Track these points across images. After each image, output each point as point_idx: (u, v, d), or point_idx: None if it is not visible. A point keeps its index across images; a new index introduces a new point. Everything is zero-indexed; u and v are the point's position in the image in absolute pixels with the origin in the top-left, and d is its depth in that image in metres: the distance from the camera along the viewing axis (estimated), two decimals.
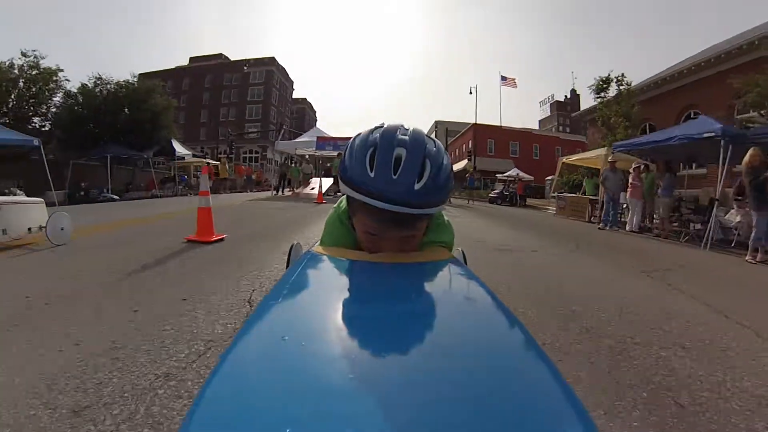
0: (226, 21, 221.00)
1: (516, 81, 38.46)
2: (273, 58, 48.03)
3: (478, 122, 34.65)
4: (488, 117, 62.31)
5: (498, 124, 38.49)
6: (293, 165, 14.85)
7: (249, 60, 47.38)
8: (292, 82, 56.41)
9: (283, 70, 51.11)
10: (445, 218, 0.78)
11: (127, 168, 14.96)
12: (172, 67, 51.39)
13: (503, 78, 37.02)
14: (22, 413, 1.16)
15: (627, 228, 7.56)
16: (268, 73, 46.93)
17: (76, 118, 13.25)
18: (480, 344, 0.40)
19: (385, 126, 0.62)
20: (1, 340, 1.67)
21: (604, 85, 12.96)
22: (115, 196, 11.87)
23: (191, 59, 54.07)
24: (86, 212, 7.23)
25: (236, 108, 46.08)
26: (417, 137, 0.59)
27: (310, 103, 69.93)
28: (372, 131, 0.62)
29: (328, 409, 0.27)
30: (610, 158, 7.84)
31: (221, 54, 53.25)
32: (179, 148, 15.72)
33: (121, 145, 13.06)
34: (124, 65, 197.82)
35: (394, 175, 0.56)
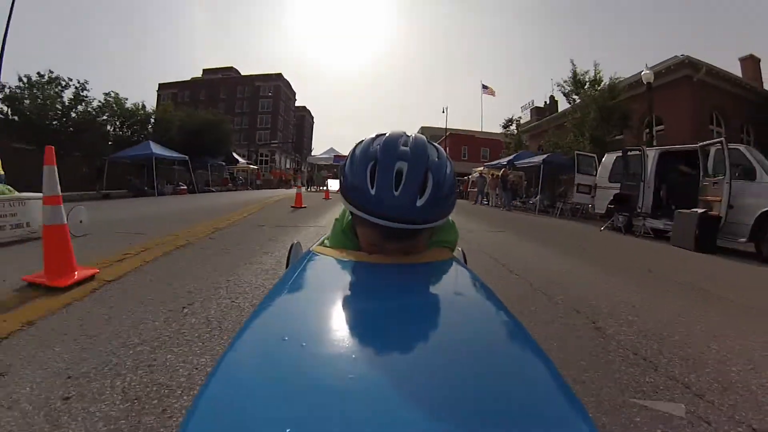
0: (223, 31, 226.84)
1: (494, 90, 45.52)
2: (280, 74, 55.71)
3: (456, 131, 41.88)
4: (474, 119, 70.05)
5: (479, 128, 43.76)
6: (317, 172, 23.06)
7: (259, 75, 54.96)
8: (295, 93, 64.14)
9: (287, 84, 58.78)
10: (450, 219, 0.77)
11: (205, 171, 22.83)
12: (188, 78, 58.76)
13: (484, 87, 41.62)
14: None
15: (490, 205, 15.68)
16: (276, 88, 54.56)
17: (180, 141, 20.98)
18: (480, 345, 0.41)
19: (386, 136, 0.61)
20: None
21: (510, 123, 21.25)
22: (213, 189, 19.72)
23: (204, 71, 61.42)
24: (228, 197, 15.04)
25: (248, 117, 53.59)
26: (418, 148, 0.59)
27: (309, 110, 77.64)
28: (373, 141, 0.62)
29: (328, 410, 0.28)
30: (480, 170, 16.07)
31: (232, 67, 60.70)
32: (238, 157, 23.71)
33: (206, 156, 20.89)
34: (134, 76, 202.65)
35: (396, 191, 0.55)
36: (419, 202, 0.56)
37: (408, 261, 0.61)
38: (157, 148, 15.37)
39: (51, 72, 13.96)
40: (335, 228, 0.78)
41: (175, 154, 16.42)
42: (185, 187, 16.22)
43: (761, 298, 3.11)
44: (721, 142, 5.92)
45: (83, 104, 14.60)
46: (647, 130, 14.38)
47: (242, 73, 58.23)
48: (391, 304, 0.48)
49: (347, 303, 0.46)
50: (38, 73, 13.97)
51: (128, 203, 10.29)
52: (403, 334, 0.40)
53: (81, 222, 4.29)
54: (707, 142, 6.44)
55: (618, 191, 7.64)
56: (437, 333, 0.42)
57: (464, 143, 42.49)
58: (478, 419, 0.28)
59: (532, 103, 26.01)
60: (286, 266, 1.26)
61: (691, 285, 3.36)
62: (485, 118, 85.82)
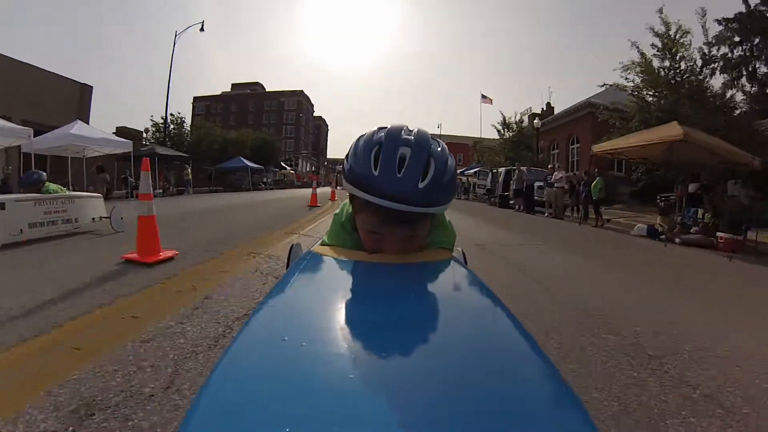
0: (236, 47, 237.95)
1: (492, 99, 50.28)
2: (302, 91, 65.47)
3: (452, 140, 49.58)
4: (473, 123, 79.92)
5: (479, 130, 50.34)
6: (338, 174, 32.62)
7: (284, 92, 64.75)
8: (313, 105, 73.89)
9: (308, 98, 68.45)
10: (447, 219, 0.80)
11: (264, 175, 32.61)
12: (218, 93, 68.80)
13: (483, 96, 43.73)
14: None
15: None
16: (298, 102, 64.25)
17: (251, 155, 30.56)
18: (480, 345, 0.41)
19: (389, 127, 0.64)
20: None
21: (476, 146, 30.58)
22: (272, 186, 29.33)
23: (233, 86, 71.44)
24: (300, 192, 24.53)
25: (275, 128, 63.06)
26: (421, 137, 0.61)
27: (324, 120, 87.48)
28: (377, 131, 0.64)
29: (328, 410, 0.28)
30: None
31: (258, 82, 70.59)
32: (284, 165, 33.62)
33: (266, 164, 30.53)
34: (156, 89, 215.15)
35: (398, 173, 0.57)
36: (421, 185, 0.57)
37: (408, 261, 0.62)
38: (247, 161, 24.98)
39: (179, 112, 23.85)
40: (334, 222, 0.80)
41: (256, 165, 26.02)
42: (263, 185, 25.84)
43: (499, 218, 12.39)
44: (514, 167, 15.31)
45: (208, 136, 24.49)
46: (572, 146, 23.09)
47: (267, 89, 68.09)
48: (390, 303, 0.48)
49: (347, 303, 0.46)
50: (171, 113, 23.54)
51: (267, 193, 19.60)
52: (403, 334, 0.40)
53: (122, 219, 4.86)
54: (512, 166, 15.84)
55: (488, 188, 17.23)
56: (437, 333, 0.43)
57: (460, 150, 50.36)
58: (479, 420, 0.28)
59: (530, 109, 30.58)
60: (287, 267, 1.24)
61: (490, 218, 12.18)
62: (486, 121, 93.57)
